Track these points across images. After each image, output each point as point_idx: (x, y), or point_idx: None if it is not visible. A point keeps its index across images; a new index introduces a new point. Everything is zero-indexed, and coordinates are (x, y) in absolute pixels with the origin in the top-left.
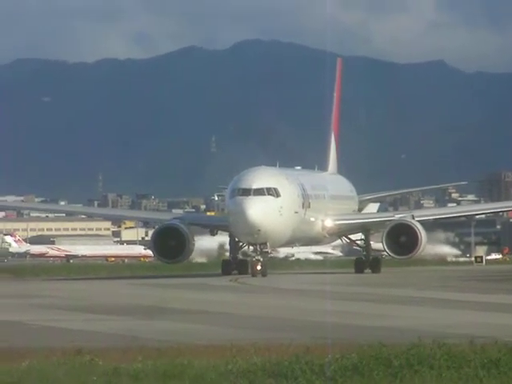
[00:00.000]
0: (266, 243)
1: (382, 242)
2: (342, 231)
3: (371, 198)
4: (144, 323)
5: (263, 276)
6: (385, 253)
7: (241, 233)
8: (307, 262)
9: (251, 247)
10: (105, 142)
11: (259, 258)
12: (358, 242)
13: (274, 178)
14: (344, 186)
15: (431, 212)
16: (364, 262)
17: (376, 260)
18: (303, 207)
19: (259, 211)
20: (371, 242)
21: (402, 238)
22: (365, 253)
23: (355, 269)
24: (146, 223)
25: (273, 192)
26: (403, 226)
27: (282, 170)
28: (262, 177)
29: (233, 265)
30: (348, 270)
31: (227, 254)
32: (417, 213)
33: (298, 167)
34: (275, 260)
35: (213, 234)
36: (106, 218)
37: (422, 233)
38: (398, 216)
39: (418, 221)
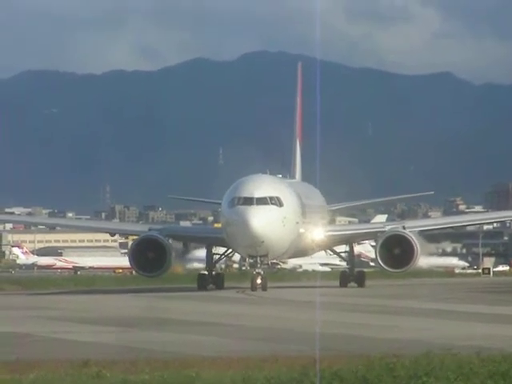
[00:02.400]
0: (266, 255)
1: (375, 254)
2: (332, 243)
3: (339, 208)
4: (151, 335)
5: (263, 290)
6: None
7: (241, 244)
8: (314, 274)
9: (251, 260)
10: (113, 154)
11: (259, 271)
12: (343, 255)
13: (275, 187)
14: (319, 196)
15: (423, 223)
16: (348, 275)
17: (361, 273)
18: (302, 218)
19: (263, 221)
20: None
21: (397, 250)
22: (349, 266)
23: (340, 282)
24: None
25: (276, 201)
26: (398, 238)
27: (280, 179)
28: (263, 185)
29: (209, 279)
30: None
31: (231, 265)
32: (408, 223)
33: (279, 175)
34: (284, 271)
35: (186, 246)
36: (79, 229)
37: (417, 245)
38: (388, 227)
39: (411, 231)
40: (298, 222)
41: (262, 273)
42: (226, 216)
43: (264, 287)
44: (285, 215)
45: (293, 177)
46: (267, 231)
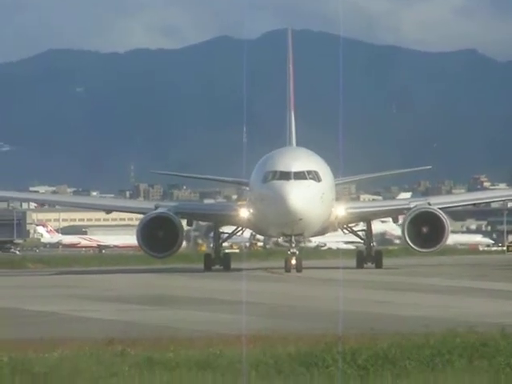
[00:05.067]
0: (302, 234)
1: (403, 233)
2: (352, 220)
3: (344, 182)
4: (176, 313)
5: (298, 271)
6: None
7: (276, 222)
8: (340, 252)
9: (284, 238)
10: (138, 132)
11: (294, 250)
12: (360, 233)
13: (312, 160)
14: None
15: (448, 199)
16: (366, 255)
17: (378, 253)
18: (335, 194)
19: (302, 198)
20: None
21: (425, 228)
22: (366, 245)
23: (357, 263)
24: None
25: (314, 176)
26: (427, 215)
27: (313, 152)
28: (301, 158)
29: (215, 259)
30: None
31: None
32: (433, 200)
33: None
34: (308, 249)
35: (190, 224)
36: (90, 208)
37: (448, 222)
38: (413, 204)
39: (440, 208)
40: (333, 199)
41: (297, 253)
42: (257, 192)
43: (299, 268)
44: (323, 191)
45: None
46: (306, 208)
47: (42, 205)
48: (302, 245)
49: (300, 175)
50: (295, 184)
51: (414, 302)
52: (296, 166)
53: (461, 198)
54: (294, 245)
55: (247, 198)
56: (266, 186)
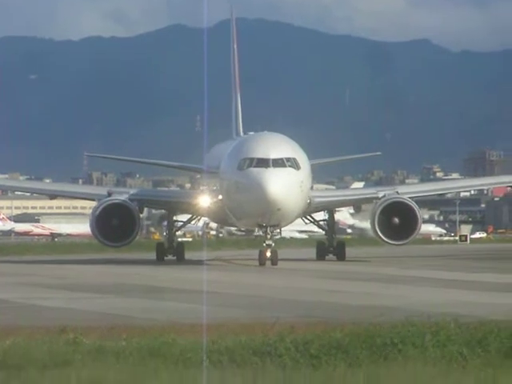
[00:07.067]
0: (278, 225)
1: (372, 224)
2: (318, 209)
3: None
4: (129, 301)
5: (273, 264)
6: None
7: (252, 213)
8: (293, 241)
9: (258, 229)
10: (91, 120)
11: (270, 242)
12: (321, 223)
13: (291, 147)
14: None
15: (417, 188)
16: (327, 247)
17: (341, 245)
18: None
19: (281, 186)
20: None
21: (396, 219)
22: (327, 236)
23: (317, 255)
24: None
25: (293, 163)
26: (398, 205)
27: (288, 138)
28: (279, 144)
29: (169, 249)
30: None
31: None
32: (401, 189)
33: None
34: (262, 238)
35: (141, 211)
36: (38, 192)
37: (420, 213)
38: (382, 193)
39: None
40: (310, 188)
41: (273, 245)
42: (231, 180)
43: (274, 261)
44: (302, 179)
45: (238, 133)
46: (285, 197)
47: (6, 192)
48: (256, 234)
49: (279, 162)
50: (274, 172)
51: (368, 292)
52: (274, 153)
53: (429, 187)
54: (269, 236)
55: (219, 186)
56: (241, 174)
